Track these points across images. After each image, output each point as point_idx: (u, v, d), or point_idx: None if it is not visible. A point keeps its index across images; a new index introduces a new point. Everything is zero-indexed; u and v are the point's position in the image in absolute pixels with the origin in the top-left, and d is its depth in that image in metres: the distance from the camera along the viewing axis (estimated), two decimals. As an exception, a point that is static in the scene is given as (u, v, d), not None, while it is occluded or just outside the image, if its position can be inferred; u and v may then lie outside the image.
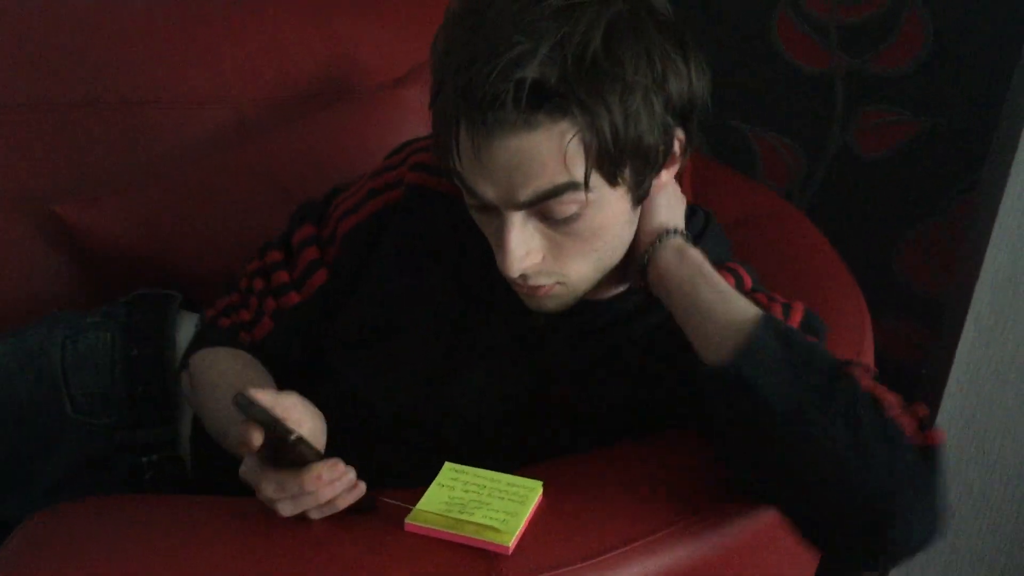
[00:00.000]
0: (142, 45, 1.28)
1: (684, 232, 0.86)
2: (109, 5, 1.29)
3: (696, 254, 0.83)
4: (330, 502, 0.74)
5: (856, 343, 1.03)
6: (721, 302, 0.80)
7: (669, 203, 0.88)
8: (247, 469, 0.76)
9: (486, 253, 0.87)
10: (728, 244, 0.98)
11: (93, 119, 1.26)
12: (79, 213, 1.19)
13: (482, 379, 0.91)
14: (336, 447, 0.78)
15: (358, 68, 1.36)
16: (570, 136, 0.74)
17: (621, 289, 0.90)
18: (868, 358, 1.04)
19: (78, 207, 1.19)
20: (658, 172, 0.83)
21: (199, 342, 1.01)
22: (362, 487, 0.75)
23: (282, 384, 0.89)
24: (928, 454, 0.73)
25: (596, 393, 0.90)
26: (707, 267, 0.83)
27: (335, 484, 0.74)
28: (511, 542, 0.74)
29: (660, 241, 0.84)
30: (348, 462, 0.76)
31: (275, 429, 0.71)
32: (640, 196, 0.83)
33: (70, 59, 1.25)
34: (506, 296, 0.88)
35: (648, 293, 0.86)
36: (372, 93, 1.32)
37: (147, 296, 1.14)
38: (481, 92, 0.73)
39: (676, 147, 0.83)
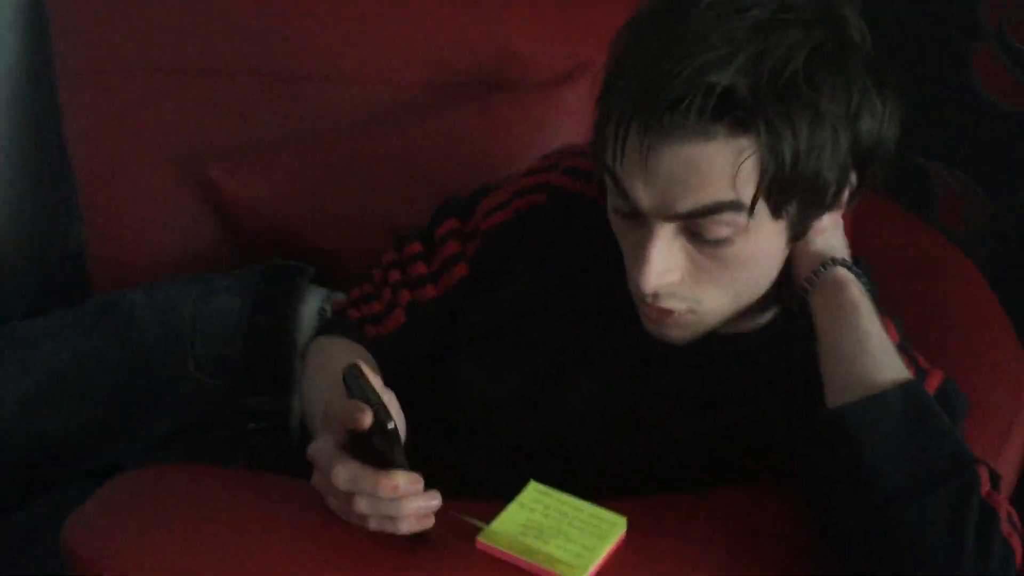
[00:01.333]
0: (311, 20, 1.30)
1: (851, 265, 0.80)
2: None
3: (857, 292, 0.77)
4: (393, 519, 0.69)
5: (1002, 428, 0.92)
6: (861, 353, 0.73)
7: (834, 231, 0.82)
8: (319, 450, 0.71)
9: (620, 264, 0.83)
10: (875, 293, 0.90)
11: (258, 89, 1.28)
12: (229, 177, 1.22)
13: (587, 392, 0.87)
14: (435, 461, 0.74)
15: (519, 62, 1.33)
16: (748, 154, 0.70)
17: (750, 326, 0.84)
18: (1014, 450, 0.93)
19: (229, 171, 1.22)
20: (822, 214, 0.77)
21: (323, 330, 1.01)
22: (431, 520, 0.71)
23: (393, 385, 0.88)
24: None
25: (705, 426, 0.84)
26: (866, 308, 0.76)
27: (408, 501, 0.69)
28: (582, 579, 0.70)
29: (825, 268, 0.79)
30: (435, 467, 0.73)
31: (376, 412, 0.67)
32: (798, 234, 0.78)
33: (243, 30, 1.28)
34: (630, 310, 0.84)
35: (786, 326, 0.81)
36: (529, 90, 1.30)
37: (280, 267, 1.16)
38: (665, 91, 0.69)
39: (847, 191, 0.77)
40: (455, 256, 0.95)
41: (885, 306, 0.89)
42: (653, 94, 0.70)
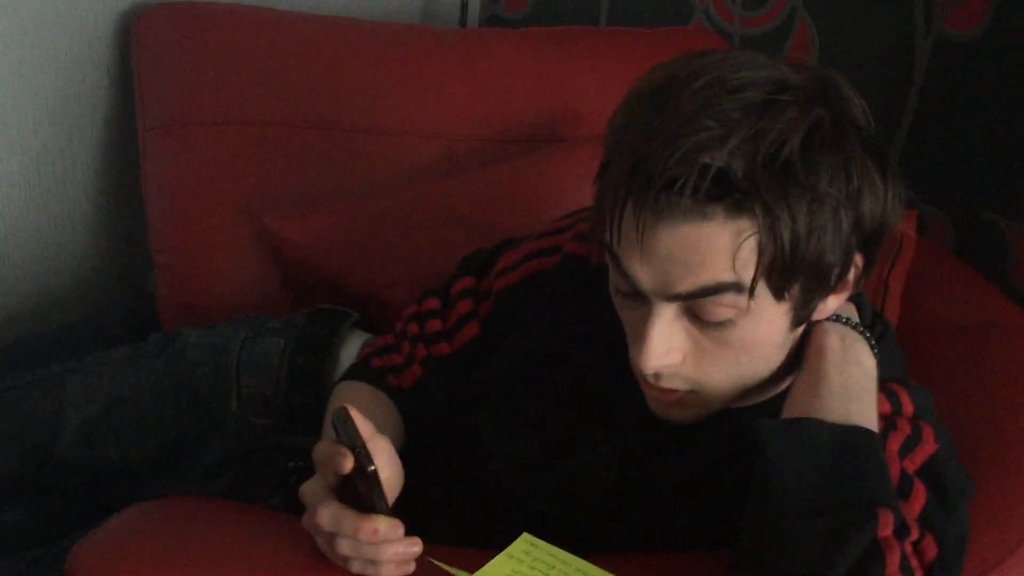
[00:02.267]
0: (374, 75, 1.37)
1: (861, 329, 0.79)
2: (350, 38, 1.39)
3: (833, 341, 0.76)
4: (374, 563, 0.71)
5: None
6: (810, 393, 0.74)
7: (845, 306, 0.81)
8: (310, 490, 0.74)
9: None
10: (901, 361, 0.87)
11: (320, 141, 1.35)
12: (286, 226, 1.28)
13: (598, 461, 0.87)
14: (448, 515, 0.76)
15: (571, 121, 1.36)
16: (746, 236, 0.69)
17: (763, 398, 0.83)
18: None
19: (286, 220, 1.28)
20: (826, 296, 0.76)
21: (348, 375, 1.03)
22: (411, 567, 0.72)
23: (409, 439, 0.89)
24: None
25: (712, 488, 0.83)
26: (836, 357, 0.75)
27: (388, 546, 0.70)
28: (558, 635, 0.70)
29: (831, 320, 0.78)
30: (456, 533, 0.74)
31: (356, 456, 0.69)
32: (801, 318, 0.76)
33: (309, 85, 1.35)
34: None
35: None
36: (578, 142, 1.31)
37: (326, 311, 1.20)
38: (659, 171, 0.68)
39: (852, 273, 0.75)
40: (467, 315, 0.97)
41: (918, 376, 0.87)
42: (647, 173, 0.69)
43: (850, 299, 0.81)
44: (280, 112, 1.34)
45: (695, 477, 0.83)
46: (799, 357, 0.79)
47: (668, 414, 0.80)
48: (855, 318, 0.81)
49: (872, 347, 0.78)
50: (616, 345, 0.88)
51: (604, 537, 0.83)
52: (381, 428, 0.91)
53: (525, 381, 0.92)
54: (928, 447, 0.78)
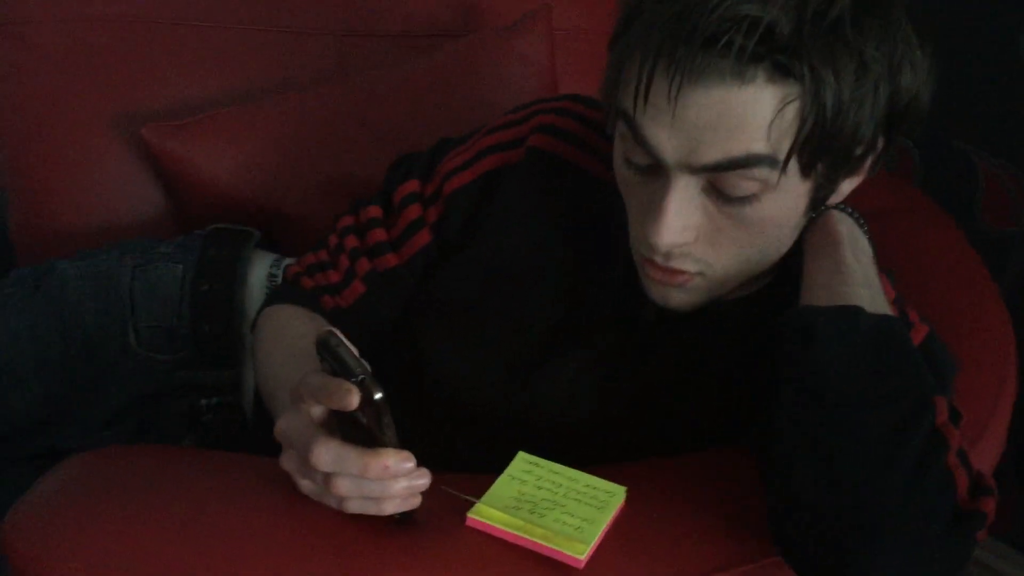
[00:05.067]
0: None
1: (857, 215, 0.76)
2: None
3: (845, 228, 0.74)
4: (377, 500, 0.63)
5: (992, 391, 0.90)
6: (839, 280, 0.70)
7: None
8: (292, 428, 0.64)
9: (605, 234, 0.78)
10: (874, 245, 0.87)
11: (193, 39, 1.20)
12: (164, 137, 1.13)
13: (575, 371, 0.81)
14: (403, 437, 0.68)
15: (468, 12, 1.27)
16: (788, 101, 0.64)
17: (744, 292, 0.79)
18: (1000, 418, 0.91)
19: (164, 131, 1.13)
20: (847, 177, 0.72)
21: (274, 298, 0.92)
22: (418, 500, 0.64)
23: None
24: (964, 521, 0.63)
25: (696, 395, 0.80)
26: (852, 244, 0.73)
27: (396, 483, 0.62)
28: (585, 555, 0.65)
29: (834, 208, 0.75)
30: (415, 446, 0.67)
31: (361, 385, 0.60)
32: (819, 200, 0.72)
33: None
34: (619, 285, 0.79)
35: (780, 290, 0.76)
36: (481, 38, 1.22)
37: (224, 231, 1.08)
38: (698, 26, 0.62)
39: (872, 155, 0.72)
40: (417, 222, 0.88)
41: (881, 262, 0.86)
42: (685, 30, 0.63)
43: None
44: (150, 7, 1.18)
45: (682, 374, 0.80)
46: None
47: (669, 298, 0.75)
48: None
49: (867, 234, 0.76)
50: (591, 244, 0.82)
51: (593, 450, 0.79)
52: None
53: (487, 292, 0.85)
54: (921, 330, 0.77)
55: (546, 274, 0.83)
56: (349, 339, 0.83)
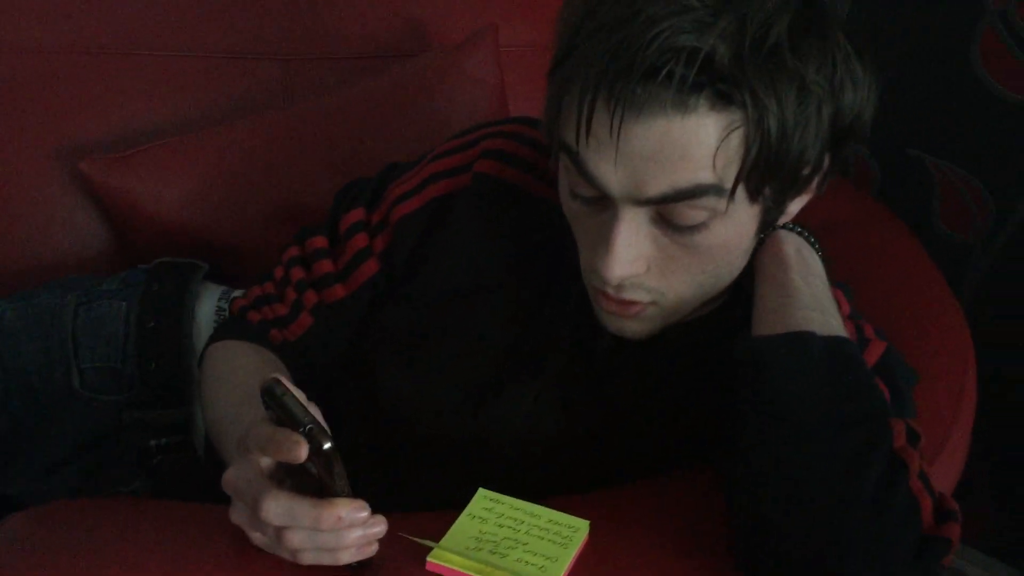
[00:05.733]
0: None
1: (807, 234, 0.75)
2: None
3: (791, 250, 0.73)
4: (332, 551, 0.61)
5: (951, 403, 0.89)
6: (787, 304, 0.69)
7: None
8: (240, 480, 0.61)
9: (558, 259, 0.76)
10: (826, 260, 0.86)
11: (133, 68, 1.17)
12: (105, 171, 1.09)
13: (532, 396, 0.79)
14: (360, 466, 0.66)
15: (417, 33, 1.25)
16: (733, 129, 0.63)
17: (699, 314, 0.78)
18: (962, 427, 0.91)
19: (105, 164, 1.09)
20: (795, 198, 0.71)
21: (221, 334, 0.89)
22: (374, 547, 0.62)
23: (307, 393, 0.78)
24: (930, 548, 0.62)
25: (654, 420, 0.78)
26: (800, 266, 0.72)
27: (350, 532, 0.60)
28: (549, 595, 0.63)
29: (782, 228, 0.74)
30: (372, 483, 0.64)
31: (308, 435, 0.58)
32: (768, 222, 0.71)
33: (106, 3, 1.16)
34: (574, 311, 0.78)
35: (733, 312, 0.75)
36: (428, 59, 1.20)
37: (169, 264, 1.05)
38: (637, 59, 0.61)
39: (819, 174, 0.71)
40: (363, 251, 0.86)
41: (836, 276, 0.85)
42: (624, 63, 0.61)
43: None
44: (75, 35, 1.15)
45: (641, 399, 0.78)
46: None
47: (624, 328, 0.74)
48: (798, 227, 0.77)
49: (817, 251, 0.75)
50: (541, 271, 0.80)
51: (552, 474, 0.77)
52: None
53: (440, 318, 0.83)
54: (877, 345, 0.76)
55: (496, 299, 0.82)
56: (295, 373, 0.81)
